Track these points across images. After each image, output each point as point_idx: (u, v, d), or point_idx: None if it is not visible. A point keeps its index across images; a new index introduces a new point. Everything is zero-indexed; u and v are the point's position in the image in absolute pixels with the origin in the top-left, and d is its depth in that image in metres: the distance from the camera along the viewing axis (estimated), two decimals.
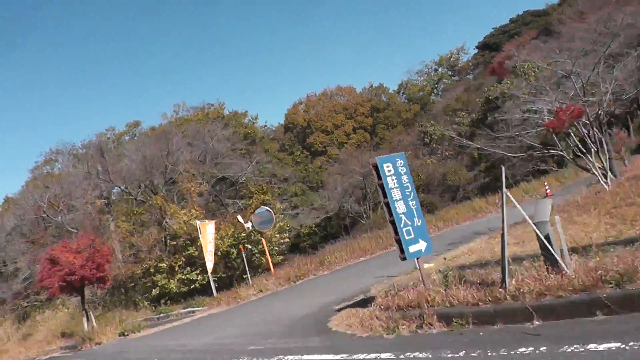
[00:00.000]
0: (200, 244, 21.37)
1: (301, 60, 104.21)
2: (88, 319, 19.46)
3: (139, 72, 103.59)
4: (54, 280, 18.39)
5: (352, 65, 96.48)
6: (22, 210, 30.08)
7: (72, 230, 28.46)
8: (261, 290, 18.19)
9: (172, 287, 21.31)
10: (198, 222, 19.48)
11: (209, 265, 19.07)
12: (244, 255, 19.22)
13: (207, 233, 19.16)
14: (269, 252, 19.72)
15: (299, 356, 7.99)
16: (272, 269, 19.41)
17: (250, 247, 20.61)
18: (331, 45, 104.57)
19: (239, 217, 19.49)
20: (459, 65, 61.83)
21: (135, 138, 38.16)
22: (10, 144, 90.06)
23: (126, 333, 17.48)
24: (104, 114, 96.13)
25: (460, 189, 33.36)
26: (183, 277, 21.31)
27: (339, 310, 11.34)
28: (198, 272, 21.35)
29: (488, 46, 61.17)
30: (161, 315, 19.68)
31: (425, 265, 14.44)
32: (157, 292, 21.77)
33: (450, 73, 61.87)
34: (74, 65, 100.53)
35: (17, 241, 35.82)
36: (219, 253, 20.47)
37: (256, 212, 19.40)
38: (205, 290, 21.28)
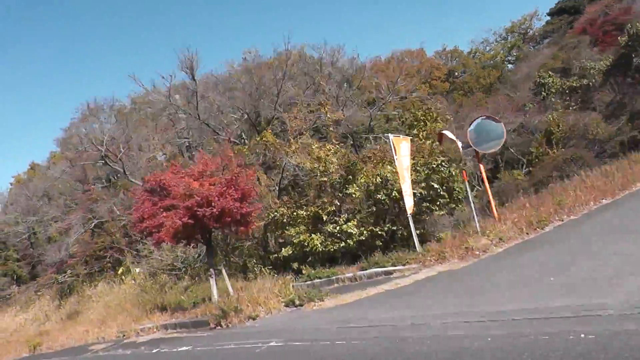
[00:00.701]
0: (364, 180, 14.74)
1: (361, 24, 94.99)
2: (217, 284, 12.70)
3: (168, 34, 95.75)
4: (171, 217, 11.54)
5: (415, 30, 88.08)
6: (72, 156, 23.43)
7: (135, 182, 21.81)
8: (501, 239, 11.57)
9: (317, 245, 14.58)
10: (391, 136, 12.70)
11: (408, 203, 12.28)
12: (467, 184, 12.46)
13: (402, 155, 12.42)
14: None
15: None
16: (495, 213, 12.69)
17: (435, 184, 13.91)
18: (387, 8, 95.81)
19: (447, 133, 12.73)
20: (532, 31, 55.63)
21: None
22: (33, 110, 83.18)
23: (298, 302, 10.79)
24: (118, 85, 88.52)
25: (601, 143, 27.01)
26: (334, 230, 14.56)
27: None
28: (355, 223, 14.58)
29: (564, 11, 56.08)
30: (318, 280, 13.00)
31: None
32: (290, 251, 15.05)
33: (521, 41, 55.59)
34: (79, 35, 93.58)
35: (53, 203, 29.10)
36: (394, 195, 13.78)
37: (472, 125, 12.59)
38: (350, 251, 14.58)
